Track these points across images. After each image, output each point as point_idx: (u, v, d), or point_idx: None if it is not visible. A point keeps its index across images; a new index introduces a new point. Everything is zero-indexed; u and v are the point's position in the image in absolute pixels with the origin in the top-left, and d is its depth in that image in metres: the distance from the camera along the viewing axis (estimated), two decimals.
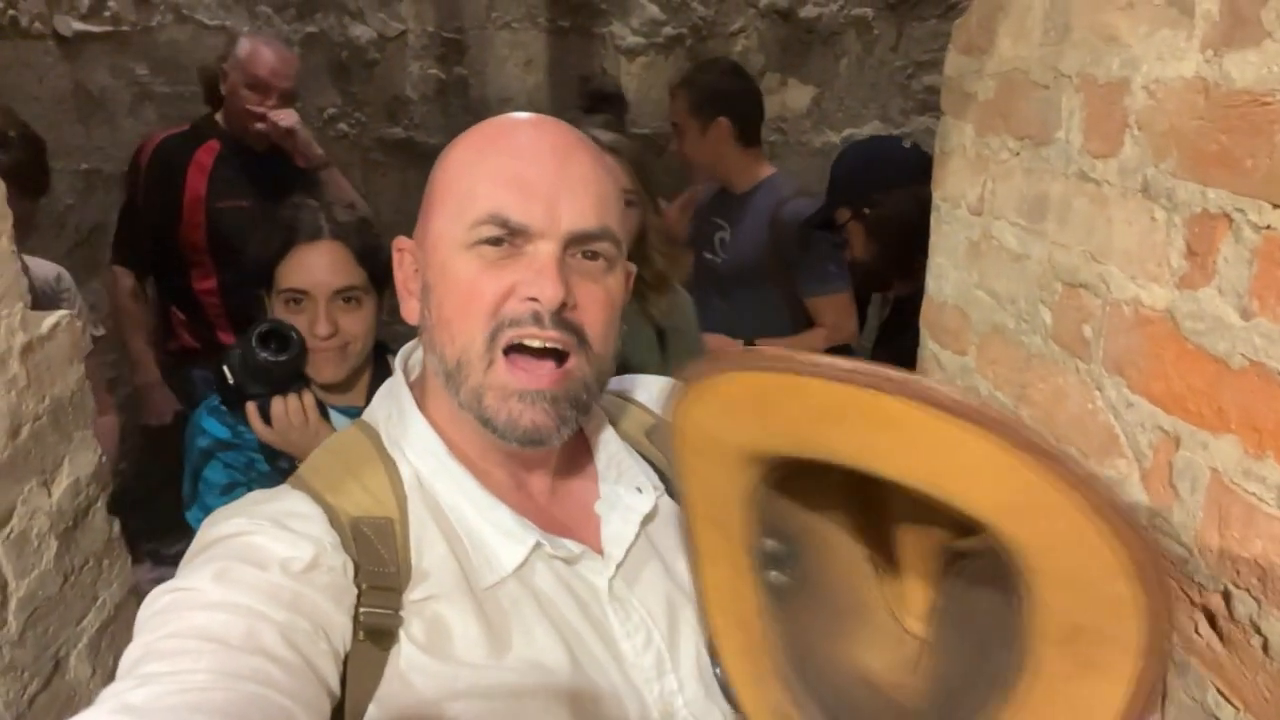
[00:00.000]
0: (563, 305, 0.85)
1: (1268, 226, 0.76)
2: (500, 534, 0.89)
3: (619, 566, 0.93)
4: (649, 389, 1.17)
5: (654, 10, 3.90)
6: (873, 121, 4.13)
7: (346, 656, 0.81)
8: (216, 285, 2.86)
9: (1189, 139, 0.86)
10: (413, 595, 0.85)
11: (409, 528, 0.88)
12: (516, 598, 0.88)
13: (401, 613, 0.84)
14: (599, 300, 0.89)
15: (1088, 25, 1.03)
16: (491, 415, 0.87)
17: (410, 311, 0.97)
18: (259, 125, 2.80)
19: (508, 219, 0.86)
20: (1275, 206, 0.76)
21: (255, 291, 1.71)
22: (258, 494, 0.93)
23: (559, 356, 0.86)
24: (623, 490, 0.99)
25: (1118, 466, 0.97)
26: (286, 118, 2.82)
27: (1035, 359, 1.15)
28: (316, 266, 1.63)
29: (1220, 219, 0.82)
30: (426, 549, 0.88)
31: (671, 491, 1.05)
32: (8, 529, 1.11)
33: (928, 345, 1.53)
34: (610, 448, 1.03)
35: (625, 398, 1.14)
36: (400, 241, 1.00)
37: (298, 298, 1.63)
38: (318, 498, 0.88)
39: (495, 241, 0.87)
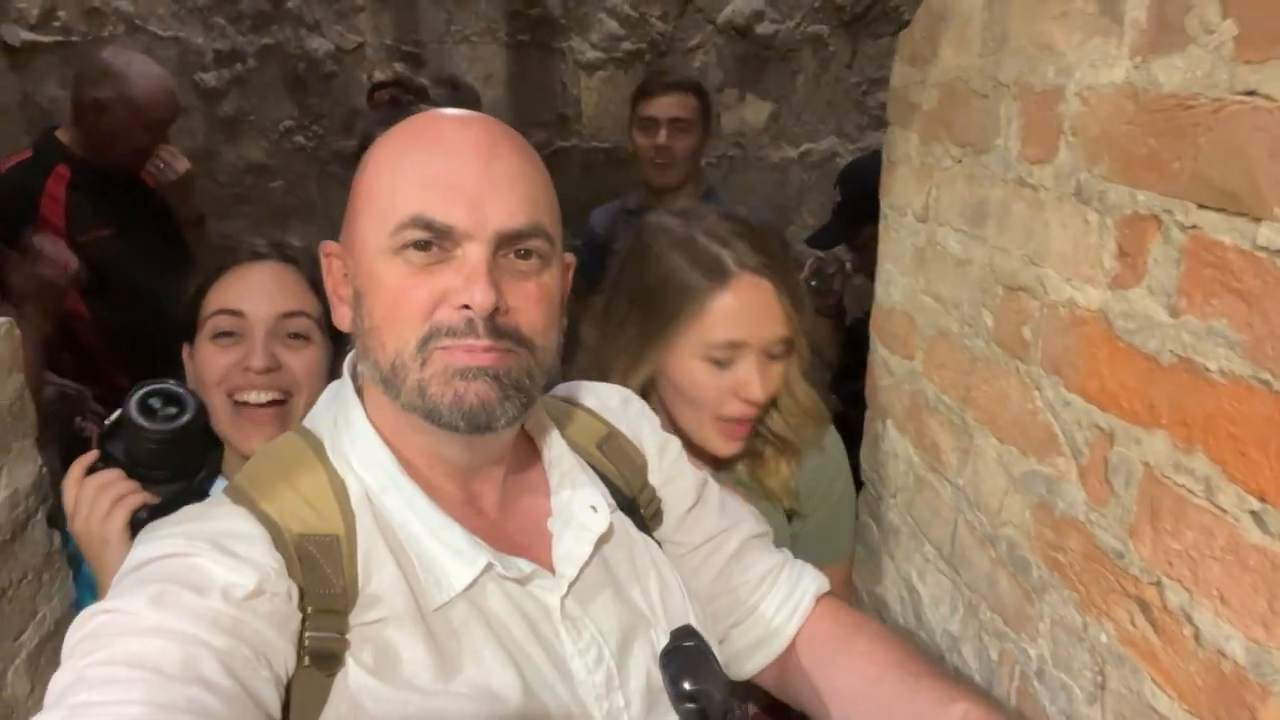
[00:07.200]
0: (496, 310, 0.83)
1: (1194, 226, 0.79)
2: (451, 554, 0.87)
3: (571, 585, 0.92)
4: (596, 394, 1.17)
5: (613, 26, 3.92)
6: (829, 137, 4.17)
7: (289, 682, 0.79)
8: (93, 325, 2.59)
9: (1119, 143, 0.88)
10: (360, 617, 0.83)
11: (357, 545, 0.86)
12: (466, 618, 0.86)
13: (348, 635, 0.82)
14: (534, 299, 0.87)
15: (1024, 34, 1.05)
16: (437, 402, 0.85)
17: (342, 318, 0.95)
18: (152, 168, 2.60)
19: (431, 220, 0.83)
20: (1200, 206, 0.78)
21: (174, 346, 1.39)
22: (193, 509, 0.89)
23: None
24: (576, 507, 0.97)
25: (1056, 465, 0.99)
26: (182, 163, 2.65)
27: (979, 361, 1.17)
28: (256, 284, 1.33)
29: (1150, 220, 0.84)
30: (375, 569, 0.85)
31: (623, 505, 1.04)
32: None
33: (878, 350, 1.54)
34: (564, 463, 1.01)
35: (573, 403, 1.14)
36: (327, 246, 0.96)
37: (230, 329, 1.31)
38: (260, 514, 0.85)
39: (422, 246, 0.84)
